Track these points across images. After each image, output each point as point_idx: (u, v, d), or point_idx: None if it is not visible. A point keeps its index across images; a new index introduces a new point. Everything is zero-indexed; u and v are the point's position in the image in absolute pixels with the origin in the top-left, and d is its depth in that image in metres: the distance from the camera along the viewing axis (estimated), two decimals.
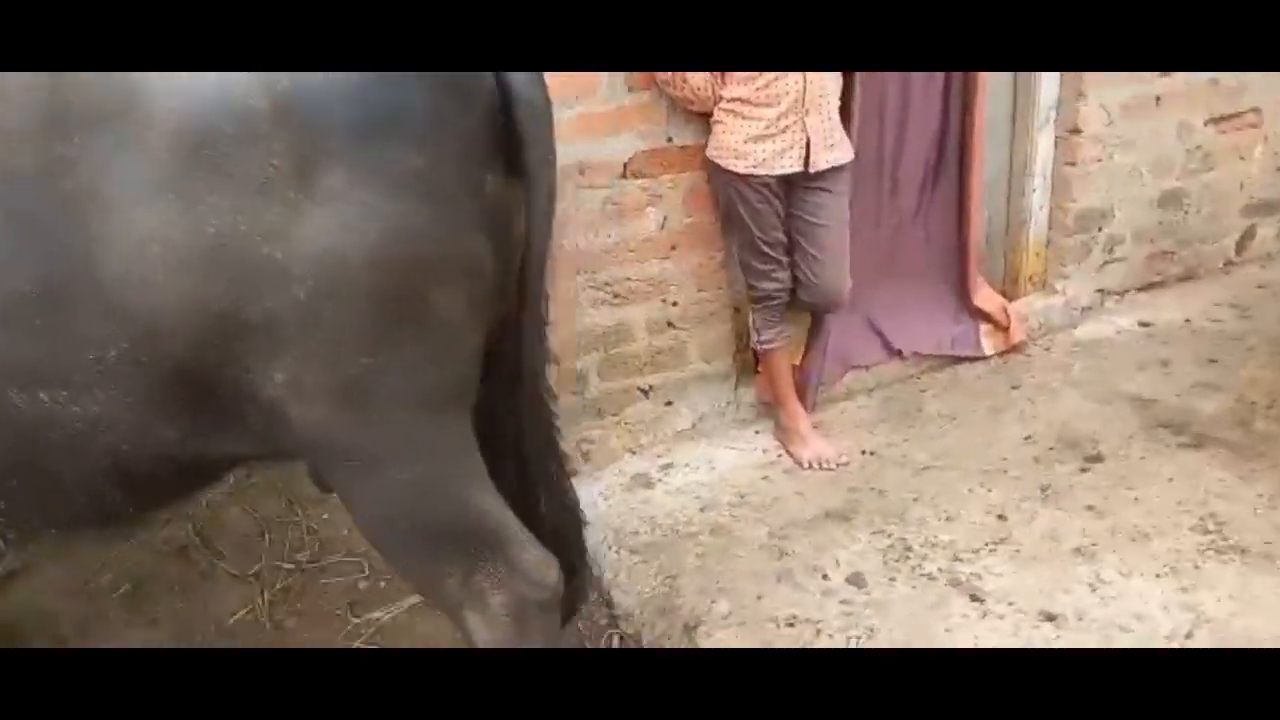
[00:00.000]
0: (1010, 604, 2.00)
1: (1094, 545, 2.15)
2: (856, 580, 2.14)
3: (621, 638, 2.19)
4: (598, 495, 2.58)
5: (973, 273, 2.98)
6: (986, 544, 2.20)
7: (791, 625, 2.03)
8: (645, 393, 2.66)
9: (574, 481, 2.58)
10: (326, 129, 1.12)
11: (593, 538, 2.43)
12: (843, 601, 2.08)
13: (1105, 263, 3.20)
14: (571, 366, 2.54)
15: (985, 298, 3.02)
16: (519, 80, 1.23)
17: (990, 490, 2.39)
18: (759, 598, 2.13)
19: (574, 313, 2.48)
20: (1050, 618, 1.95)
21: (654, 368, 2.64)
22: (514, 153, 1.29)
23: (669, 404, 2.71)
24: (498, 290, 1.37)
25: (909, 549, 2.22)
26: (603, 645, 2.19)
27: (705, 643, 2.03)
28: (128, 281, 1.11)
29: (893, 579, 2.13)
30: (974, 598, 2.04)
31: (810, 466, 2.57)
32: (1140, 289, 3.29)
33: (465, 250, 1.25)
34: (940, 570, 2.13)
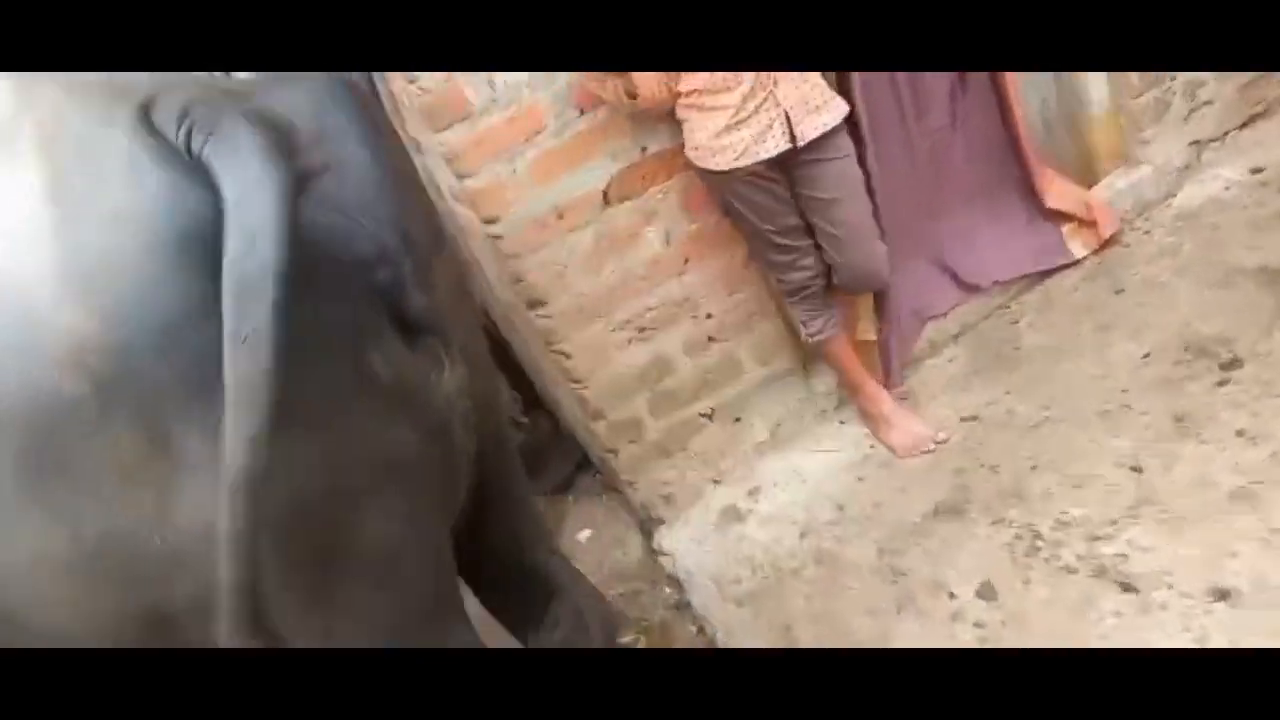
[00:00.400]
0: (1169, 586, 1.72)
1: (1255, 483, 1.83)
2: (986, 592, 1.89)
3: None
4: (690, 542, 2.39)
5: (1036, 170, 2.61)
6: (1126, 510, 1.90)
7: None
8: (708, 417, 2.44)
9: (663, 529, 2.47)
10: (159, 391, 0.96)
11: (699, 593, 2.27)
12: (976, 624, 1.84)
13: (1190, 111, 2.76)
14: (620, 417, 2.34)
15: (1059, 194, 2.64)
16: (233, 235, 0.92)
17: (1117, 436, 2.08)
18: (881, 639, 1.91)
19: (604, 361, 2.27)
20: (1222, 595, 1.66)
21: (709, 389, 2.42)
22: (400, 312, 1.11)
23: (738, 420, 2.48)
24: (445, 471, 1.19)
25: (1038, 537, 1.94)
26: None
27: None
28: (32, 610, 1.01)
29: (1027, 581, 1.87)
30: (1125, 587, 1.76)
31: (905, 455, 2.31)
32: (1241, 126, 2.83)
33: (367, 456, 1.06)
34: (1079, 558, 1.86)
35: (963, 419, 2.34)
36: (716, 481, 2.49)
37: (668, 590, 2.40)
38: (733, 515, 2.39)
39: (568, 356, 2.23)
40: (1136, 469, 1.98)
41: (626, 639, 2.33)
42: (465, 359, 1.25)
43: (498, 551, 1.52)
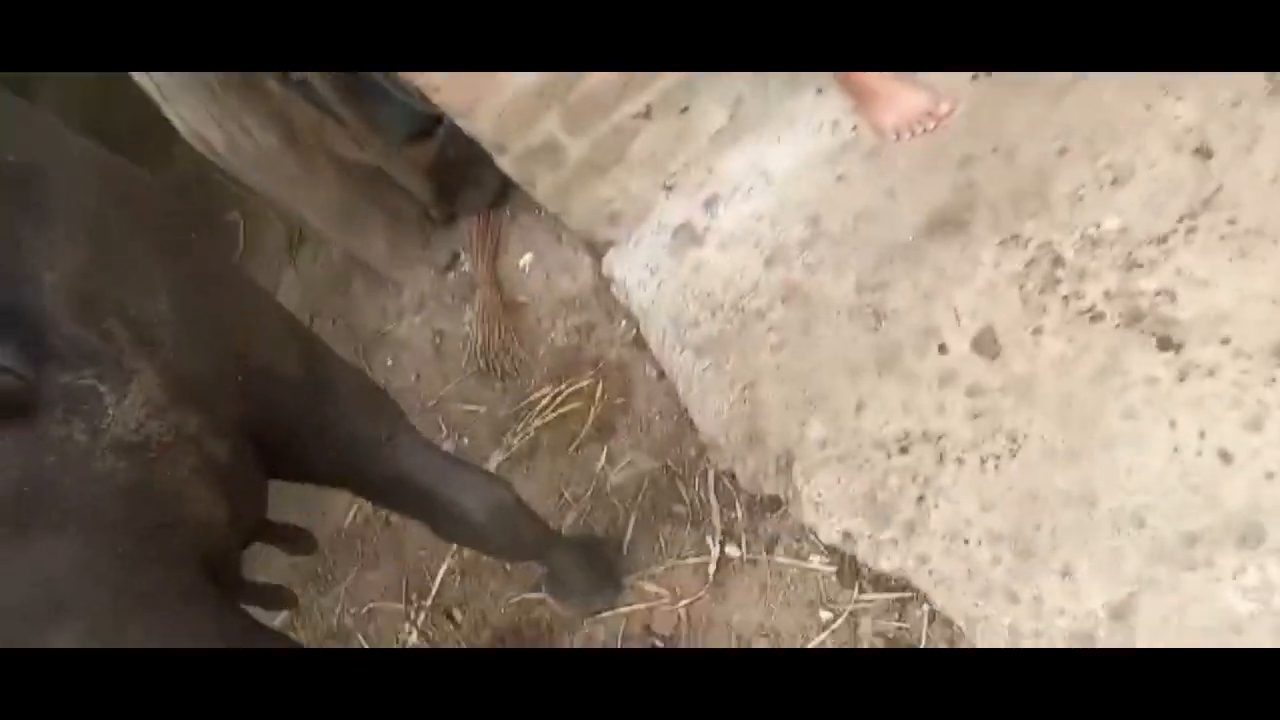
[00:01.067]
0: (1224, 341, 1.30)
1: None
2: (985, 345, 1.50)
3: (718, 476, 1.77)
4: (642, 270, 2.00)
5: None
6: (1180, 220, 1.42)
7: (905, 451, 1.50)
8: (645, 114, 1.91)
9: (612, 253, 2.07)
10: None
11: (655, 334, 1.94)
12: (970, 391, 1.49)
13: None
14: (527, 145, 1.83)
15: None
16: None
17: (1181, 98, 1.51)
18: (859, 408, 1.58)
19: (485, 85, 1.72)
20: None
21: (638, 83, 1.85)
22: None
23: (685, 111, 1.93)
24: (146, 527, 0.84)
25: (1059, 263, 1.50)
26: (697, 483, 1.79)
27: (805, 487, 1.58)
28: None
29: (1038, 330, 1.47)
30: (1164, 342, 1.35)
31: (898, 137, 1.78)
32: None
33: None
34: (1108, 296, 1.42)
35: (974, 77, 1.75)
36: (668, 188, 2.02)
37: (624, 323, 2.07)
38: (688, 236, 1.96)
39: (437, 90, 1.68)
40: (1202, 152, 1.45)
41: (584, 383, 2.07)
42: (168, 338, 0.87)
43: (349, 481, 1.26)
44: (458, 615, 1.99)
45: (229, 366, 0.96)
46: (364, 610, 2.12)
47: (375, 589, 2.15)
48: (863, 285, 1.68)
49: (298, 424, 1.08)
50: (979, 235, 1.60)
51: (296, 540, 1.42)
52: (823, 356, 1.66)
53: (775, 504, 1.67)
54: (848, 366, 1.62)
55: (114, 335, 0.82)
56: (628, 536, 1.83)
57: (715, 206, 1.95)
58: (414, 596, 2.08)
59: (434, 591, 2.04)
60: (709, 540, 1.72)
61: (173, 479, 0.87)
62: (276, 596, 1.43)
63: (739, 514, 1.71)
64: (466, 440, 2.18)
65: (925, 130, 1.75)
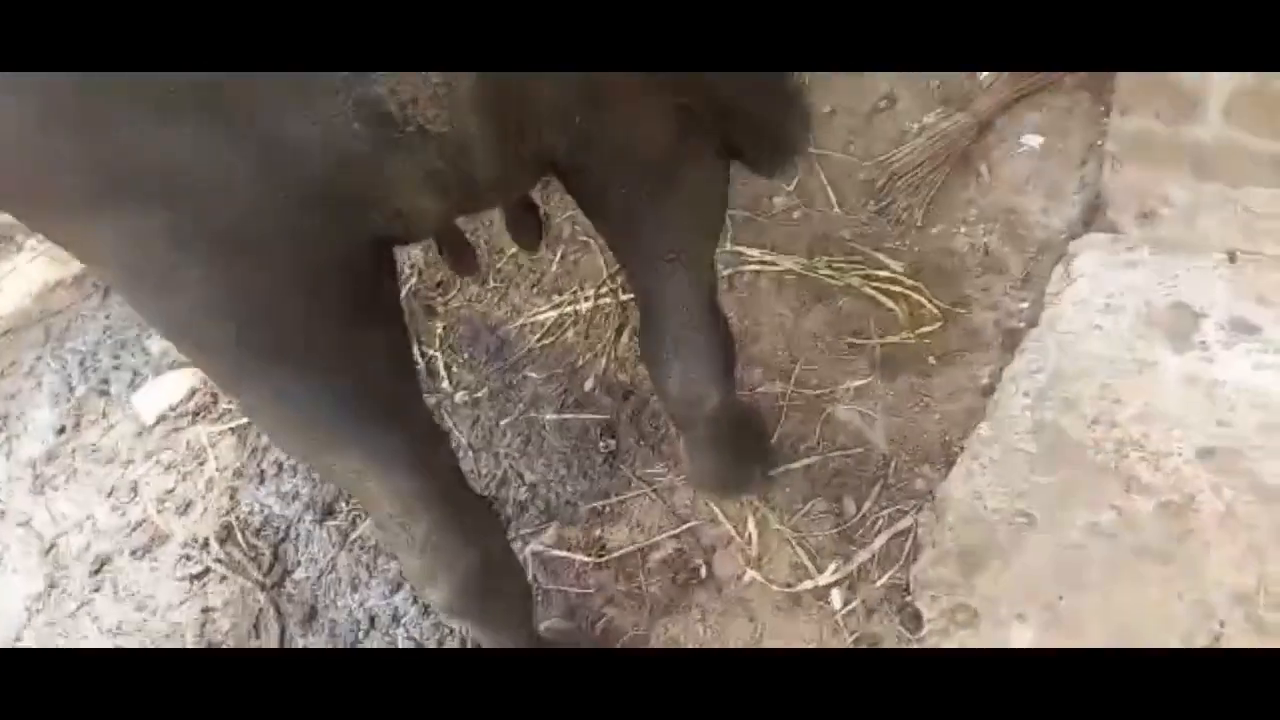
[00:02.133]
0: None
1: None
2: None
3: (907, 532, 1.43)
4: (1105, 297, 1.51)
5: None
6: None
7: None
8: None
9: (1093, 239, 1.59)
10: None
11: (1030, 358, 1.51)
12: None
13: None
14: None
15: None
16: None
17: None
18: None
19: None
20: None
21: None
22: None
23: None
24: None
25: None
26: (888, 515, 1.46)
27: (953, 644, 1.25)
28: None
29: None
30: None
31: None
32: None
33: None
34: None
35: None
36: (1232, 259, 1.43)
37: (1026, 306, 1.60)
38: (1187, 325, 1.41)
39: None
40: None
41: (926, 304, 1.66)
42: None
43: (610, 243, 1.12)
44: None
45: (578, 99, 0.70)
46: (554, 269, 1.91)
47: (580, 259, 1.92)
48: (1242, 596, 1.18)
49: (605, 195, 0.85)
50: None
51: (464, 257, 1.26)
52: (1124, 596, 1.23)
53: (914, 620, 1.35)
54: (1128, 630, 1.20)
55: None
56: (793, 467, 1.54)
57: (1253, 334, 1.38)
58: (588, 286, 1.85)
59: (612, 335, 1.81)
60: (832, 566, 1.43)
61: (401, 169, 0.66)
62: (468, 261, 1.28)
63: (879, 582, 1.40)
64: (808, 224, 1.81)
65: None
